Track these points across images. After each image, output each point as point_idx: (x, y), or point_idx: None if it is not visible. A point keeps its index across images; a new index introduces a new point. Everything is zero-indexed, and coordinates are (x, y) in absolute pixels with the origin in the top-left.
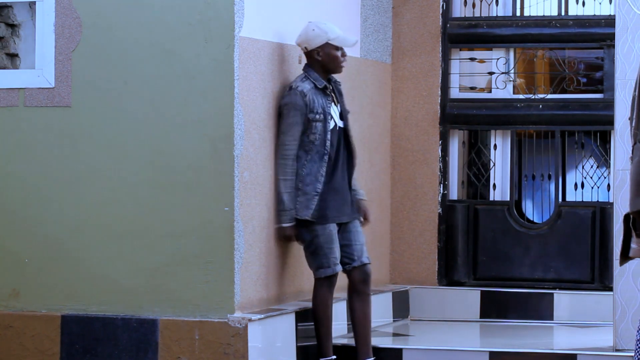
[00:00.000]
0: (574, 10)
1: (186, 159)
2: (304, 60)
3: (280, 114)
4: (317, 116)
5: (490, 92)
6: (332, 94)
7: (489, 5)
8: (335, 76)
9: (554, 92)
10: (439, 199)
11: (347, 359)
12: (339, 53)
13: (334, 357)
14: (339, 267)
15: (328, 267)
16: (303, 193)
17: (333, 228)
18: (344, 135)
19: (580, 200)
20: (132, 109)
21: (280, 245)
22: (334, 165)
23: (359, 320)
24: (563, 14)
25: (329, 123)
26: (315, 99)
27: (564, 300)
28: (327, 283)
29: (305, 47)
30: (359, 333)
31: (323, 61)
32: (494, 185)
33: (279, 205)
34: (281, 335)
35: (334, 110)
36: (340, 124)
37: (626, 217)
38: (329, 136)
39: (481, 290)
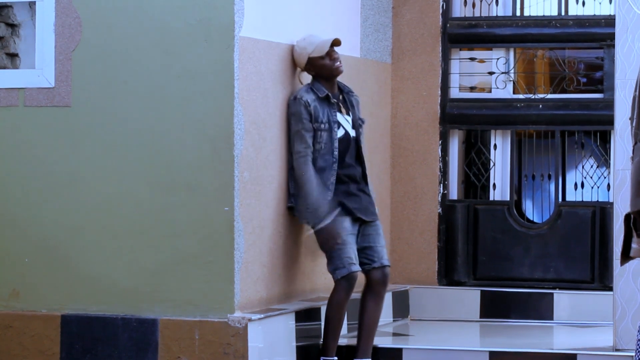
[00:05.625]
0: (574, 10)
1: (186, 159)
2: (305, 76)
3: (289, 123)
4: (322, 125)
5: (490, 92)
6: (341, 103)
7: (489, 5)
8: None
9: (554, 92)
10: (439, 198)
11: (343, 358)
12: (326, 60)
13: (336, 358)
14: (356, 267)
15: (343, 267)
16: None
17: (346, 230)
18: (355, 144)
19: (580, 200)
20: (132, 109)
21: (279, 245)
22: (348, 170)
23: (368, 320)
24: (563, 14)
25: (335, 132)
26: (319, 108)
27: (564, 300)
28: (346, 285)
29: (300, 68)
30: (365, 332)
31: (317, 73)
32: (494, 185)
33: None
34: (281, 335)
35: (344, 119)
36: (352, 133)
37: (627, 217)
38: (336, 144)
39: (481, 290)
